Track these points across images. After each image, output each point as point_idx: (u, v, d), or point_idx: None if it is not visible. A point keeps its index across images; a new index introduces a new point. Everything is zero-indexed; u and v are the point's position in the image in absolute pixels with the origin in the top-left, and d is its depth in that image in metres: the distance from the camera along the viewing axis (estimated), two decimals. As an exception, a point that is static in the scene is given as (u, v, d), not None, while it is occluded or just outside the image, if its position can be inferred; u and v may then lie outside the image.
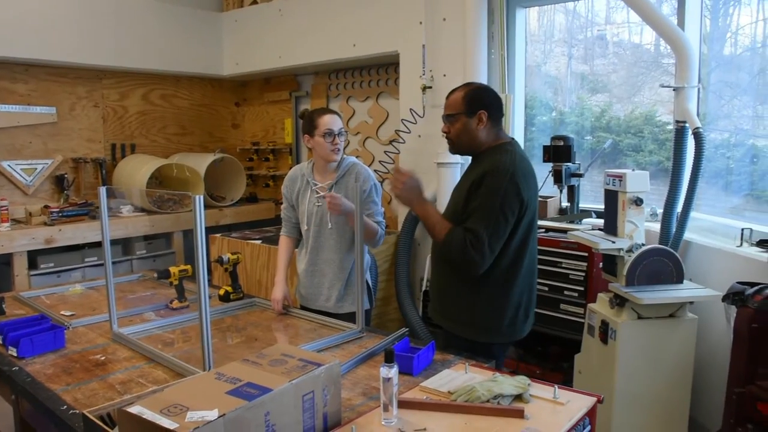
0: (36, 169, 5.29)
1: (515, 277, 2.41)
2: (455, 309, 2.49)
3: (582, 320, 3.36)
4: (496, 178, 2.28)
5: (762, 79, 3.58)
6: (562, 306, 3.57)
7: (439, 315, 2.60)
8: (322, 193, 2.98)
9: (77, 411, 1.84)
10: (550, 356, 3.80)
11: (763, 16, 3.54)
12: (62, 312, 2.94)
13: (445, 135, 2.51)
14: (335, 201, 2.76)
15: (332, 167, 2.99)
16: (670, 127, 3.86)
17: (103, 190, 2.45)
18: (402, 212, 4.71)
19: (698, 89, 3.43)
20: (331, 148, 2.91)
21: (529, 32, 4.52)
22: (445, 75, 4.38)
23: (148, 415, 1.35)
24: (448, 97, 2.50)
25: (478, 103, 2.41)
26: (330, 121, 2.91)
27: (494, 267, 2.36)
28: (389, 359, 1.62)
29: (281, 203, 3.20)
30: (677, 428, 2.98)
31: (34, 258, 4.70)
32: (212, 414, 1.34)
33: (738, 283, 2.59)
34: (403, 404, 1.70)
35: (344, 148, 3.01)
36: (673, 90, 3.41)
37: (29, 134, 5.22)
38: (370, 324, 3.14)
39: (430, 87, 4.42)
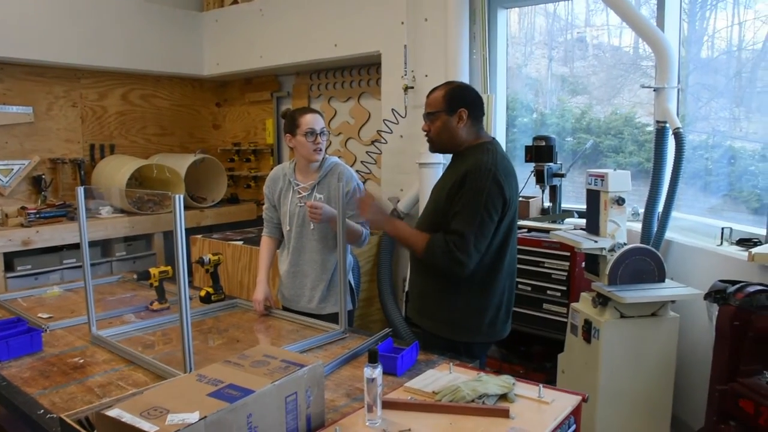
0: (12, 169, 5.20)
1: (496, 276, 2.40)
2: (435, 308, 2.47)
3: (565, 320, 3.36)
4: (478, 178, 2.27)
5: (738, 82, 3.62)
6: (545, 306, 3.58)
7: (418, 314, 2.58)
8: (304, 194, 2.95)
9: (55, 415, 1.81)
10: (533, 356, 3.81)
11: (739, 20, 3.58)
12: (39, 315, 2.88)
13: (425, 133, 2.50)
14: (316, 210, 2.75)
15: (314, 167, 2.97)
16: (650, 128, 3.89)
17: (80, 190, 2.41)
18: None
19: (677, 90, 3.45)
20: (313, 148, 2.88)
21: (509, 34, 4.53)
22: (426, 75, 4.38)
23: (128, 418, 1.32)
24: (428, 96, 2.49)
25: (459, 101, 2.41)
26: (312, 121, 2.89)
27: (475, 267, 2.36)
28: (373, 359, 1.61)
29: (263, 204, 3.16)
30: (660, 426, 2.99)
31: (10, 260, 4.63)
32: (193, 416, 1.31)
33: (719, 281, 2.61)
34: (388, 405, 1.68)
35: (326, 149, 2.99)
36: (654, 90, 3.43)
37: (5, 134, 5.14)
38: (353, 325, 3.12)
39: (412, 87, 4.42)
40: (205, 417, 1.31)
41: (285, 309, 3.04)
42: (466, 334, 2.43)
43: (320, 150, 2.91)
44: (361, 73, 5.25)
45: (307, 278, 2.97)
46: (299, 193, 2.97)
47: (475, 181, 2.27)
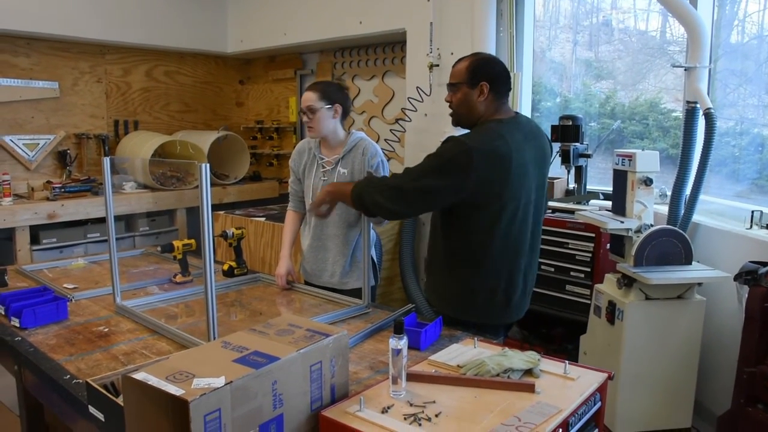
0: (38, 144, 5.26)
1: (485, 258, 2.31)
2: (438, 286, 2.48)
3: (588, 302, 3.34)
4: (451, 146, 2.21)
5: (768, 68, 3.53)
6: (568, 287, 3.55)
7: (428, 289, 2.60)
8: (328, 168, 2.94)
9: (81, 380, 1.82)
10: (555, 338, 3.78)
11: (772, 4, 3.49)
12: (65, 285, 2.91)
13: (448, 104, 2.45)
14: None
15: (337, 141, 2.95)
16: (675, 114, 3.83)
17: (107, 160, 2.42)
18: (407, 192, 4.67)
19: (709, 71, 3.38)
20: (307, 126, 2.90)
21: (534, 18, 4.46)
22: (452, 53, 4.32)
23: (154, 381, 1.32)
24: (454, 66, 2.43)
25: (481, 75, 2.33)
26: (303, 99, 2.90)
27: (462, 246, 2.33)
28: (399, 330, 1.59)
29: (285, 182, 3.16)
30: (682, 410, 2.96)
31: (36, 233, 4.69)
32: (219, 381, 1.31)
33: (750, 262, 2.57)
34: (412, 377, 1.67)
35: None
36: (685, 70, 3.36)
37: (31, 109, 5.19)
38: (375, 302, 3.11)
39: (437, 65, 4.37)
40: (231, 382, 1.31)
41: (307, 284, 3.04)
42: (459, 311, 2.39)
43: (310, 128, 2.90)
44: (385, 50, 5.21)
45: (329, 252, 2.96)
46: (323, 167, 2.95)
47: (445, 146, 2.22)
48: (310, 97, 2.85)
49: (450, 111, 2.46)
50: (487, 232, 2.29)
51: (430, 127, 4.49)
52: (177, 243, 2.97)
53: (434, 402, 1.56)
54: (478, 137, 2.24)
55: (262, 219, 4.56)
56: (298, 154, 3.08)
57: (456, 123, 2.49)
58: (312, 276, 3.05)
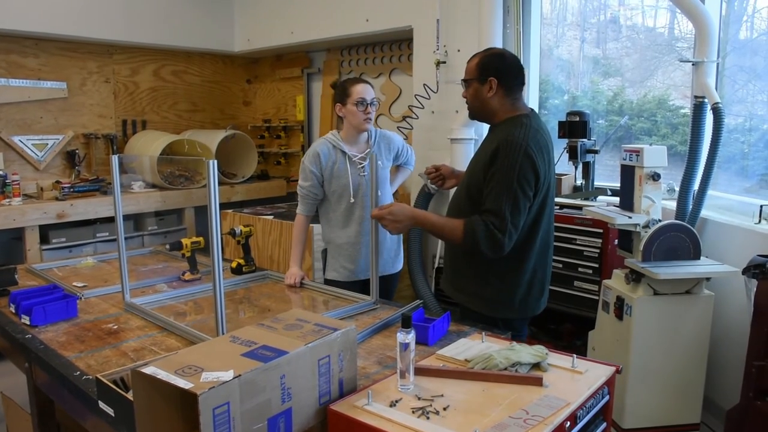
0: (47, 144, 5.29)
1: (529, 252, 2.37)
2: (468, 283, 2.46)
3: (596, 297, 3.33)
4: (509, 154, 2.23)
5: (779, 64, 3.50)
6: (576, 283, 3.54)
7: (452, 288, 2.57)
8: (364, 164, 3.03)
9: (91, 377, 1.84)
10: (563, 334, 3.78)
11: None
12: (74, 283, 2.93)
13: (465, 99, 2.50)
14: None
15: (364, 137, 3.06)
16: (684, 111, 3.80)
17: (115, 158, 2.44)
18: (414, 189, 4.68)
19: (717, 65, 3.36)
20: (364, 117, 2.94)
21: (541, 15, 4.45)
22: (459, 50, 4.32)
23: (163, 375, 1.33)
24: (468, 62, 2.47)
25: (489, 71, 2.36)
26: (363, 90, 2.94)
27: None
28: (406, 324, 1.60)
29: (293, 180, 3.19)
30: (691, 405, 2.95)
31: (45, 233, 4.71)
32: (227, 375, 1.32)
33: (759, 255, 2.55)
34: (420, 371, 1.68)
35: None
36: (692, 65, 3.35)
37: (40, 109, 5.21)
38: (397, 286, 3.37)
39: (444, 62, 4.37)
40: (239, 375, 1.32)
41: (351, 283, 3.06)
42: (498, 309, 2.41)
43: (370, 119, 2.97)
44: (392, 48, 5.22)
45: (380, 244, 3.00)
46: (359, 163, 3.02)
47: (506, 157, 2.23)
48: (373, 91, 3.04)
49: (467, 106, 2.52)
50: (533, 225, 2.34)
51: (437, 125, 4.49)
52: (186, 241, 2.99)
53: (442, 396, 1.56)
54: (524, 134, 2.26)
55: (270, 217, 4.57)
56: (321, 155, 3.01)
57: (472, 117, 2.55)
58: (356, 273, 3.09)
